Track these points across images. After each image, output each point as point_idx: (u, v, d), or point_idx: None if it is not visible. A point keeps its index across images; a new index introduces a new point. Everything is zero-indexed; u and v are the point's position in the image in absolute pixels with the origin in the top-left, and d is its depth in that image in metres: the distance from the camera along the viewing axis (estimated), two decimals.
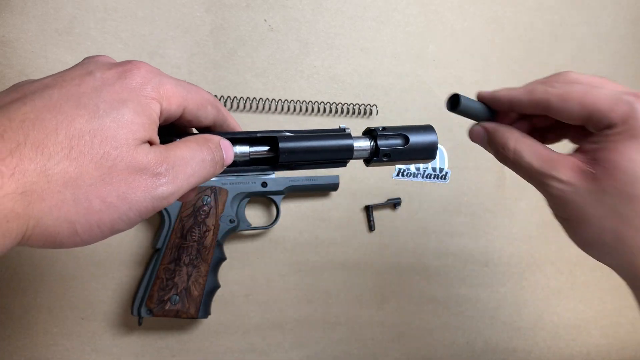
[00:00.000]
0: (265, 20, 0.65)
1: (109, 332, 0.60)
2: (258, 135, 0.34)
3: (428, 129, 0.39)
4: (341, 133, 0.36)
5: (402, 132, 0.38)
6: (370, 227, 0.68)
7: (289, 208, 0.66)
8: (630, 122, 0.32)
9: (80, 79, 0.28)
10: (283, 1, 0.66)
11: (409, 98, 0.70)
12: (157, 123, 0.29)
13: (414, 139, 0.38)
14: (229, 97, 0.63)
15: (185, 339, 0.62)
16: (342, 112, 0.67)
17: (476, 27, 0.74)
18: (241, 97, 0.64)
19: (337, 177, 0.64)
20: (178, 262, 0.57)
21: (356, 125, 0.68)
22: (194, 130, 0.36)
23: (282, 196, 0.63)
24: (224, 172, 0.33)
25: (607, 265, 0.35)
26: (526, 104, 0.36)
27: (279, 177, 0.62)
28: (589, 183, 0.33)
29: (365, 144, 0.37)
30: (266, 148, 0.34)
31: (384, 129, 0.38)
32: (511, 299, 0.73)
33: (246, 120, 0.64)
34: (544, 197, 0.37)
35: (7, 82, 0.57)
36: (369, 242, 0.68)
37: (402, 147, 0.37)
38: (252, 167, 0.34)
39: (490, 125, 0.39)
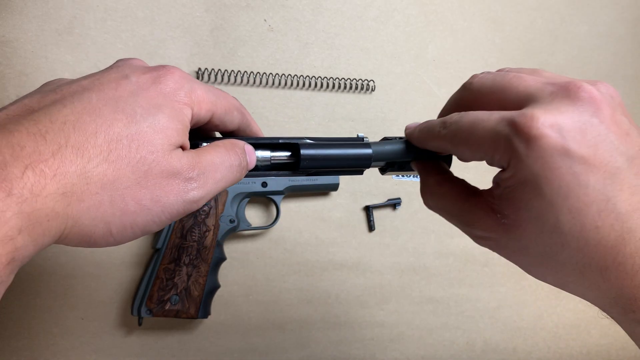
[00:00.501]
0: (265, 20, 0.65)
1: (109, 332, 0.60)
2: (280, 141, 0.35)
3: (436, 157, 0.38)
4: (360, 142, 0.37)
5: (407, 159, 0.37)
6: (370, 227, 0.68)
7: (289, 208, 0.66)
8: (513, 164, 0.26)
9: (116, 82, 0.29)
10: (283, 1, 0.66)
11: (409, 98, 0.70)
12: (189, 127, 0.30)
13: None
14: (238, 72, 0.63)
15: (185, 339, 0.62)
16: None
17: (476, 27, 0.74)
18: (243, 71, 0.64)
19: (337, 177, 0.64)
20: (178, 262, 0.57)
21: (356, 125, 0.68)
22: (218, 134, 0.37)
23: (282, 196, 0.63)
24: (247, 175, 0.35)
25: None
26: (432, 148, 0.33)
27: (279, 177, 0.62)
28: (506, 235, 0.28)
29: None
30: (287, 154, 0.36)
31: (400, 139, 0.37)
32: (511, 299, 0.73)
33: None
34: None
35: (7, 82, 0.57)
36: (369, 242, 0.68)
37: (406, 155, 0.37)
38: (273, 172, 0.36)
39: (418, 167, 0.36)
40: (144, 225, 0.28)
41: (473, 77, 0.33)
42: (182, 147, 0.30)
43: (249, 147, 0.33)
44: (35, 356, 0.58)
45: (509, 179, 0.27)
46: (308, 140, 0.36)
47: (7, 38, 0.57)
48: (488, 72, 0.32)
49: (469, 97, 0.32)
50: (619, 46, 0.80)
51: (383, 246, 0.69)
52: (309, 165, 0.35)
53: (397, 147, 0.36)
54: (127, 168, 0.26)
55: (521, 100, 0.28)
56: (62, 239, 0.26)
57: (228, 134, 0.36)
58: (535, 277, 0.30)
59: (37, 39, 0.58)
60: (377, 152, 0.36)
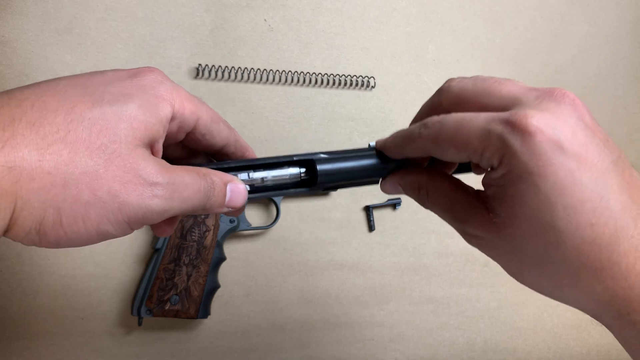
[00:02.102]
0: (265, 20, 0.65)
1: (108, 332, 0.60)
2: (295, 158, 0.35)
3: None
4: (369, 152, 0.36)
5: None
6: (370, 227, 0.68)
7: (289, 208, 0.66)
8: (506, 161, 0.26)
9: (91, 74, 0.27)
10: (283, 1, 0.66)
11: (409, 98, 0.70)
12: (165, 125, 0.28)
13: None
14: (239, 68, 0.63)
15: (185, 339, 0.62)
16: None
17: (476, 27, 0.74)
18: (230, 67, 0.64)
19: None
20: (178, 262, 0.57)
21: (356, 125, 0.68)
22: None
23: (282, 196, 0.63)
24: (265, 195, 0.34)
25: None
26: (410, 152, 0.32)
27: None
28: (499, 234, 0.28)
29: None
30: (303, 170, 0.35)
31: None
32: (511, 299, 0.73)
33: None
34: None
35: (7, 82, 0.57)
36: (369, 242, 0.68)
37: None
38: (290, 191, 0.35)
39: (396, 178, 0.35)
40: (97, 220, 0.25)
41: (450, 80, 0.33)
42: (152, 148, 0.28)
43: (238, 187, 0.31)
44: (35, 356, 0.58)
45: (502, 177, 0.27)
46: (323, 155, 0.35)
47: (7, 38, 0.57)
48: (464, 77, 0.33)
49: (448, 100, 0.32)
50: (619, 46, 0.80)
51: (383, 246, 0.69)
52: (326, 180, 0.34)
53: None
54: (85, 152, 0.24)
55: (505, 104, 0.28)
56: (12, 225, 0.24)
57: (217, 151, 0.34)
58: (529, 285, 0.29)
59: (37, 39, 0.58)
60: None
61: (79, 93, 0.25)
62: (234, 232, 0.61)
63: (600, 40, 0.79)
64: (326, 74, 0.67)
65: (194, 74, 0.63)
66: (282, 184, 0.35)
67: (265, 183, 0.35)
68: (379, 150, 0.35)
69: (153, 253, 0.58)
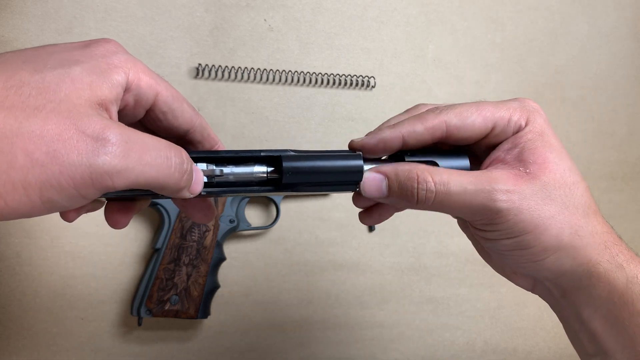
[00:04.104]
0: (265, 20, 0.65)
1: (108, 332, 0.60)
2: (262, 154, 0.32)
3: (461, 154, 0.35)
4: (351, 154, 0.33)
5: (431, 158, 0.34)
6: (370, 227, 0.68)
7: (289, 208, 0.66)
8: (532, 121, 0.33)
9: (41, 46, 0.26)
10: (283, 1, 0.66)
11: (409, 98, 0.70)
12: (117, 90, 0.26)
13: (444, 164, 0.34)
14: (239, 68, 0.64)
15: (185, 339, 0.62)
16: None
17: (476, 27, 0.74)
18: (230, 67, 0.64)
19: None
20: (178, 262, 0.57)
21: (356, 125, 0.68)
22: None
23: (282, 196, 0.63)
24: (227, 191, 0.32)
25: (552, 280, 0.34)
26: (423, 133, 0.33)
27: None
28: (531, 184, 0.31)
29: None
30: (270, 169, 0.32)
31: (412, 153, 0.34)
32: (511, 299, 0.73)
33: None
34: (478, 235, 0.35)
35: None
36: (369, 242, 0.68)
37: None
38: (255, 188, 0.32)
39: (386, 167, 0.33)
40: (38, 187, 0.22)
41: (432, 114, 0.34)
42: (107, 113, 0.26)
43: (199, 173, 0.29)
44: (35, 356, 0.58)
45: (528, 132, 0.33)
46: (292, 152, 0.32)
47: (7, 38, 0.57)
48: (434, 110, 0.35)
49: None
50: (619, 46, 0.80)
51: (383, 246, 0.69)
52: (292, 180, 0.31)
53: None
54: (20, 114, 0.22)
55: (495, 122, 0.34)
56: None
57: (182, 135, 0.32)
58: (550, 243, 0.32)
59: (37, 39, 0.58)
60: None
61: (22, 61, 0.24)
62: (234, 232, 0.61)
63: (600, 40, 0.79)
64: (326, 74, 0.67)
65: (194, 74, 0.63)
66: (246, 181, 0.32)
67: (227, 178, 0.31)
68: (358, 151, 0.33)
69: (153, 253, 0.58)
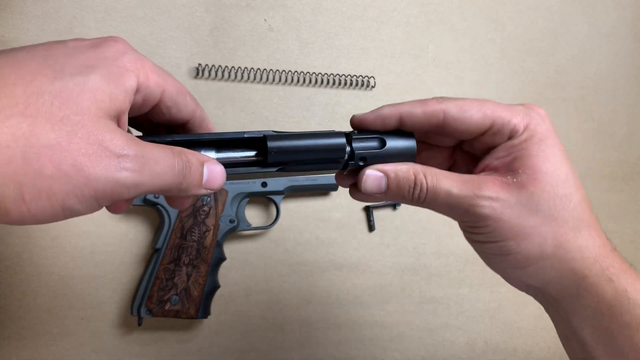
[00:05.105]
0: (265, 20, 0.65)
1: (108, 332, 0.60)
2: (245, 135, 0.33)
3: (407, 134, 0.36)
4: (333, 132, 0.35)
5: (378, 135, 0.36)
6: (370, 227, 0.68)
7: (289, 208, 0.66)
8: (531, 127, 0.32)
9: (50, 44, 0.26)
10: (283, 1, 0.66)
11: (409, 98, 0.70)
12: (130, 97, 0.27)
13: (392, 143, 0.35)
14: (239, 68, 0.64)
15: (185, 339, 0.62)
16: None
17: (476, 27, 0.74)
18: (230, 67, 0.64)
19: None
20: (178, 262, 0.57)
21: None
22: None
23: (282, 196, 0.63)
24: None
25: (539, 287, 0.34)
26: (420, 116, 0.34)
27: (279, 177, 0.62)
28: (517, 193, 0.31)
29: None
30: (253, 153, 0.34)
31: (359, 132, 0.36)
32: (511, 299, 0.73)
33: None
34: (466, 235, 0.35)
35: None
36: (369, 242, 0.68)
37: (378, 150, 0.35)
38: (241, 169, 0.33)
39: (387, 167, 0.34)
40: (62, 196, 0.23)
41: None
42: (119, 122, 0.27)
43: (216, 168, 0.31)
44: (35, 356, 0.58)
45: (525, 140, 0.32)
46: (274, 132, 0.34)
47: (7, 38, 0.57)
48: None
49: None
50: (619, 46, 0.80)
51: (383, 246, 0.69)
52: (277, 159, 0.33)
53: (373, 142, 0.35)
54: (46, 125, 0.23)
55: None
56: None
57: (182, 125, 0.33)
58: (532, 253, 0.32)
59: (37, 39, 0.58)
60: (356, 146, 0.34)
61: (38, 65, 0.24)
62: (234, 232, 0.61)
63: (600, 40, 0.79)
64: (326, 73, 0.67)
65: (194, 74, 0.63)
66: (233, 162, 0.33)
67: (227, 162, 0.33)
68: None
69: (153, 253, 0.58)
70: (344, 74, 0.67)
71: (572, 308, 0.33)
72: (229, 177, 0.33)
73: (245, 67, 0.64)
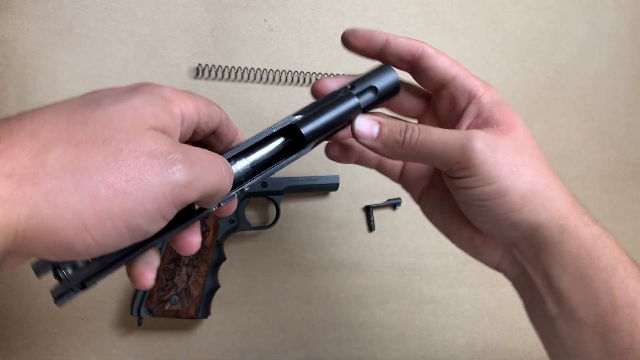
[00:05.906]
0: (265, 20, 0.65)
1: (108, 332, 0.60)
2: (274, 130, 0.35)
3: (386, 69, 0.40)
4: (344, 95, 0.37)
5: (370, 83, 0.38)
6: (370, 227, 0.68)
7: (289, 208, 0.66)
8: (490, 92, 0.38)
9: (87, 93, 0.27)
10: (283, 1, 0.66)
11: None
12: (177, 123, 0.27)
13: (381, 85, 0.39)
14: (239, 68, 0.63)
15: (185, 339, 0.62)
16: None
17: (476, 27, 0.74)
18: (230, 67, 0.64)
19: (337, 177, 0.64)
20: (178, 262, 0.57)
21: None
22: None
23: (282, 196, 0.63)
24: (262, 175, 0.34)
25: (531, 231, 0.34)
26: (404, 42, 0.39)
27: (279, 177, 0.62)
28: (503, 137, 0.34)
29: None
30: (280, 141, 0.35)
31: (352, 87, 0.38)
32: (511, 299, 0.73)
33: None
34: (457, 186, 0.36)
35: (7, 82, 0.57)
36: (369, 242, 0.68)
37: (375, 100, 0.38)
38: (283, 162, 0.35)
39: (379, 117, 0.37)
40: (124, 215, 0.23)
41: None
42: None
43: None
44: (35, 356, 0.58)
45: (491, 102, 0.36)
46: (298, 117, 0.36)
47: (7, 38, 0.57)
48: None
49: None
50: (619, 46, 0.80)
51: (383, 246, 0.69)
52: (312, 140, 0.35)
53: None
54: (92, 149, 0.22)
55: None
56: (20, 239, 0.21)
57: (213, 133, 0.34)
58: (526, 190, 0.33)
59: (37, 39, 0.58)
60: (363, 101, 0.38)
61: (79, 103, 0.25)
62: (234, 232, 0.61)
63: (600, 40, 0.79)
64: (326, 73, 0.67)
65: (194, 74, 0.63)
66: (272, 157, 0.35)
67: (260, 163, 0.34)
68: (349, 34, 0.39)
69: None
70: (344, 74, 0.67)
71: (554, 258, 0.33)
72: (274, 171, 0.34)
73: (245, 67, 0.64)
